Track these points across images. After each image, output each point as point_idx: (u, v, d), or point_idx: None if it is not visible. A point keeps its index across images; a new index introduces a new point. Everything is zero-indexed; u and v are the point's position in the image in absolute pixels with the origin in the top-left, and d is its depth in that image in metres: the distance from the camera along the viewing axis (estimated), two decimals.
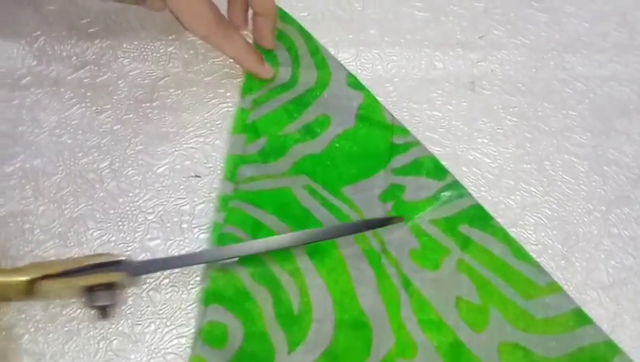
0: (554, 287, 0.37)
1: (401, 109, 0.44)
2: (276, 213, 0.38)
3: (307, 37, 0.45)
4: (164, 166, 0.40)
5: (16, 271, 0.33)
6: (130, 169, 0.40)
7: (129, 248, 0.37)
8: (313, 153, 0.41)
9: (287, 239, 0.36)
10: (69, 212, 0.38)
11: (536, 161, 0.43)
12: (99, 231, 0.38)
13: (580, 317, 0.36)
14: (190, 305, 0.36)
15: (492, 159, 0.42)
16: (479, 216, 0.39)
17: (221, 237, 0.37)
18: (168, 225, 0.38)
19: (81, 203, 0.38)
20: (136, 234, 0.38)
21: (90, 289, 0.34)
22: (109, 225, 0.38)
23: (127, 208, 0.38)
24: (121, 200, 0.39)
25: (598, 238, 0.40)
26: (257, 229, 0.37)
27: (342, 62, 0.45)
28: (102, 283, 0.34)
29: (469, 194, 0.40)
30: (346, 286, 0.36)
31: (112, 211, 0.38)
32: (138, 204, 0.39)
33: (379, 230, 0.38)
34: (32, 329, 0.35)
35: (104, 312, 0.34)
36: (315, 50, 0.45)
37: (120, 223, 0.38)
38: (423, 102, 0.44)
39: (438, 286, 0.37)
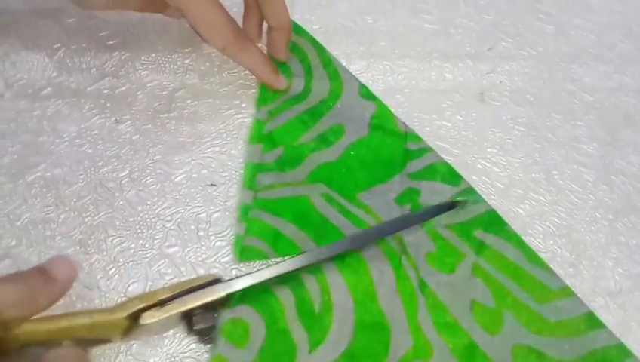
0: (567, 291, 0.38)
1: (412, 120, 0.45)
2: (295, 222, 0.39)
3: (320, 49, 0.46)
4: (182, 175, 0.41)
5: (114, 308, 0.32)
6: (148, 178, 0.41)
7: (148, 255, 0.38)
8: (328, 161, 0.42)
9: (351, 240, 0.37)
10: (90, 220, 0.39)
11: (544, 171, 0.43)
12: (119, 239, 0.38)
13: (593, 321, 0.37)
14: None
15: (501, 168, 0.43)
16: (494, 222, 0.40)
17: (243, 251, 0.38)
18: (186, 232, 0.39)
19: (102, 211, 0.39)
20: (155, 241, 0.39)
21: (189, 315, 0.33)
22: (128, 232, 0.39)
23: (146, 216, 0.39)
24: (140, 208, 0.40)
25: (605, 246, 0.41)
26: (277, 239, 0.38)
27: (353, 73, 0.46)
28: (200, 305, 0.33)
29: (484, 200, 0.41)
30: (368, 288, 0.37)
31: (131, 219, 0.39)
32: (157, 211, 0.40)
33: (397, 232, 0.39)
34: None
35: (206, 336, 0.34)
36: (328, 62, 0.46)
37: (139, 231, 0.39)
38: (433, 113, 0.45)
39: (454, 289, 0.37)
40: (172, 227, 0.39)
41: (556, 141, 0.45)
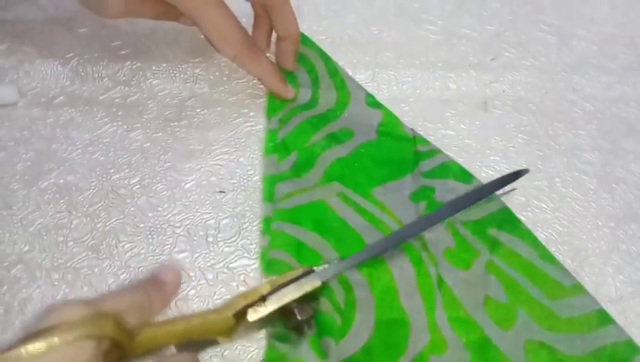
0: (578, 288, 0.39)
1: (416, 128, 0.45)
2: (315, 229, 0.39)
3: (327, 59, 0.47)
4: (191, 182, 0.42)
5: (221, 308, 0.33)
6: (159, 185, 0.42)
7: (158, 260, 0.39)
8: (341, 157, 0.43)
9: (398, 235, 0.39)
10: (102, 225, 0.40)
11: (546, 179, 0.44)
12: (130, 244, 0.39)
13: (603, 317, 0.38)
14: None
15: None
16: (507, 220, 0.41)
17: (269, 264, 0.38)
18: (195, 238, 0.40)
19: (113, 217, 0.40)
20: (165, 247, 0.39)
21: (288, 308, 0.34)
22: (139, 238, 0.40)
23: (157, 222, 0.40)
24: (150, 215, 0.41)
25: (606, 253, 0.41)
26: (300, 249, 0.38)
27: (360, 83, 0.47)
28: (299, 297, 0.34)
29: (497, 197, 0.42)
30: (388, 284, 0.38)
31: (142, 225, 0.40)
32: (167, 218, 0.41)
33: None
34: None
35: (306, 327, 0.35)
36: (335, 72, 0.47)
37: (150, 236, 0.40)
38: (438, 122, 0.46)
39: (468, 285, 0.38)
40: (182, 233, 0.40)
41: (558, 149, 0.46)
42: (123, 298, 0.31)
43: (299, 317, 0.34)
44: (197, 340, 0.33)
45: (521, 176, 0.41)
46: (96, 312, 0.27)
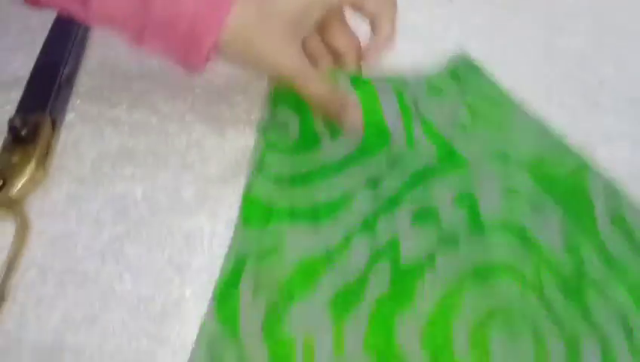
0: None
1: None
2: None
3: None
4: (189, 191, 0.45)
5: None
6: (160, 195, 0.45)
7: (159, 263, 0.42)
8: None
9: None
10: (108, 232, 0.43)
11: None
12: (133, 249, 0.42)
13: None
14: None
15: None
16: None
17: None
18: (192, 242, 0.43)
19: (118, 224, 0.44)
20: (165, 251, 0.42)
21: None
22: (141, 243, 0.43)
23: (158, 228, 0.43)
24: (152, 222, 0.44)
25: None
26: None
27: None
28: None
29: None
30: (374, 107, 0.46)
31: (144, 231, 0.43)
32: (166, 224, 0.44)
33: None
34: None
35: None
36: None
37: (151, 241, 0.43)
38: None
39: (441, 110, 0.48)
40: (180, 238, 0.43)
41: None
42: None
43: None
44: None
45: None
46: None
